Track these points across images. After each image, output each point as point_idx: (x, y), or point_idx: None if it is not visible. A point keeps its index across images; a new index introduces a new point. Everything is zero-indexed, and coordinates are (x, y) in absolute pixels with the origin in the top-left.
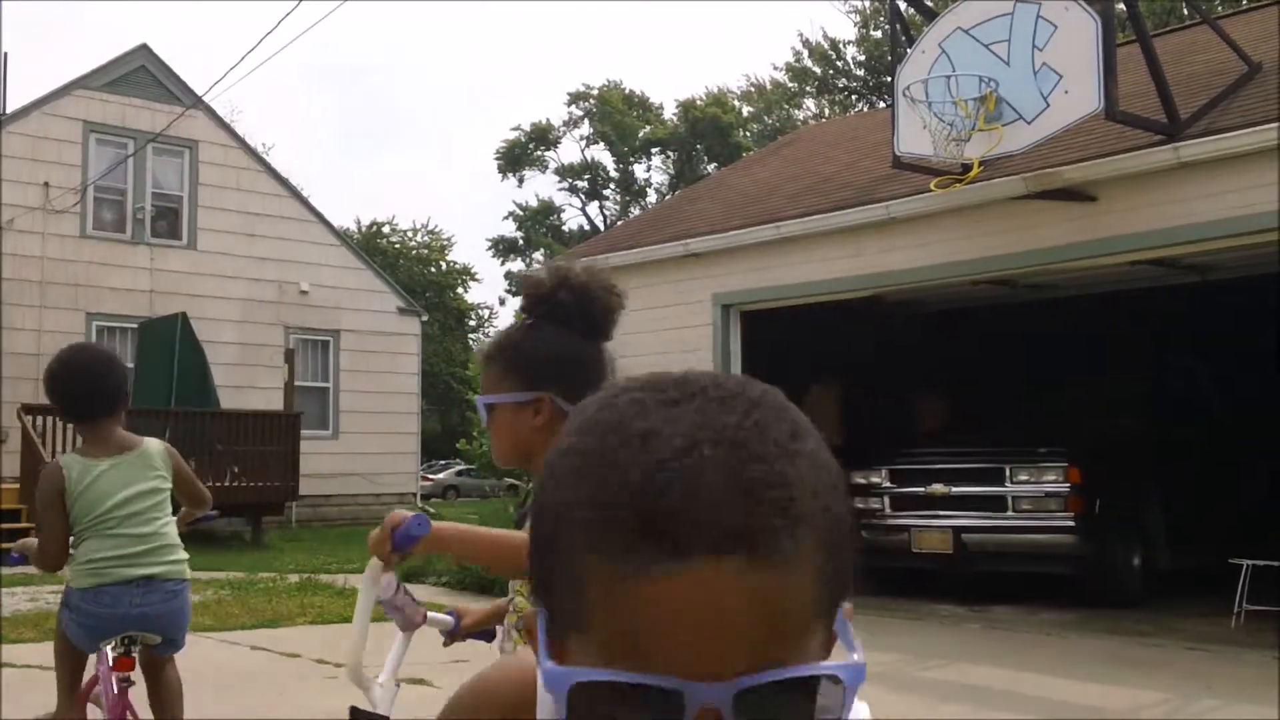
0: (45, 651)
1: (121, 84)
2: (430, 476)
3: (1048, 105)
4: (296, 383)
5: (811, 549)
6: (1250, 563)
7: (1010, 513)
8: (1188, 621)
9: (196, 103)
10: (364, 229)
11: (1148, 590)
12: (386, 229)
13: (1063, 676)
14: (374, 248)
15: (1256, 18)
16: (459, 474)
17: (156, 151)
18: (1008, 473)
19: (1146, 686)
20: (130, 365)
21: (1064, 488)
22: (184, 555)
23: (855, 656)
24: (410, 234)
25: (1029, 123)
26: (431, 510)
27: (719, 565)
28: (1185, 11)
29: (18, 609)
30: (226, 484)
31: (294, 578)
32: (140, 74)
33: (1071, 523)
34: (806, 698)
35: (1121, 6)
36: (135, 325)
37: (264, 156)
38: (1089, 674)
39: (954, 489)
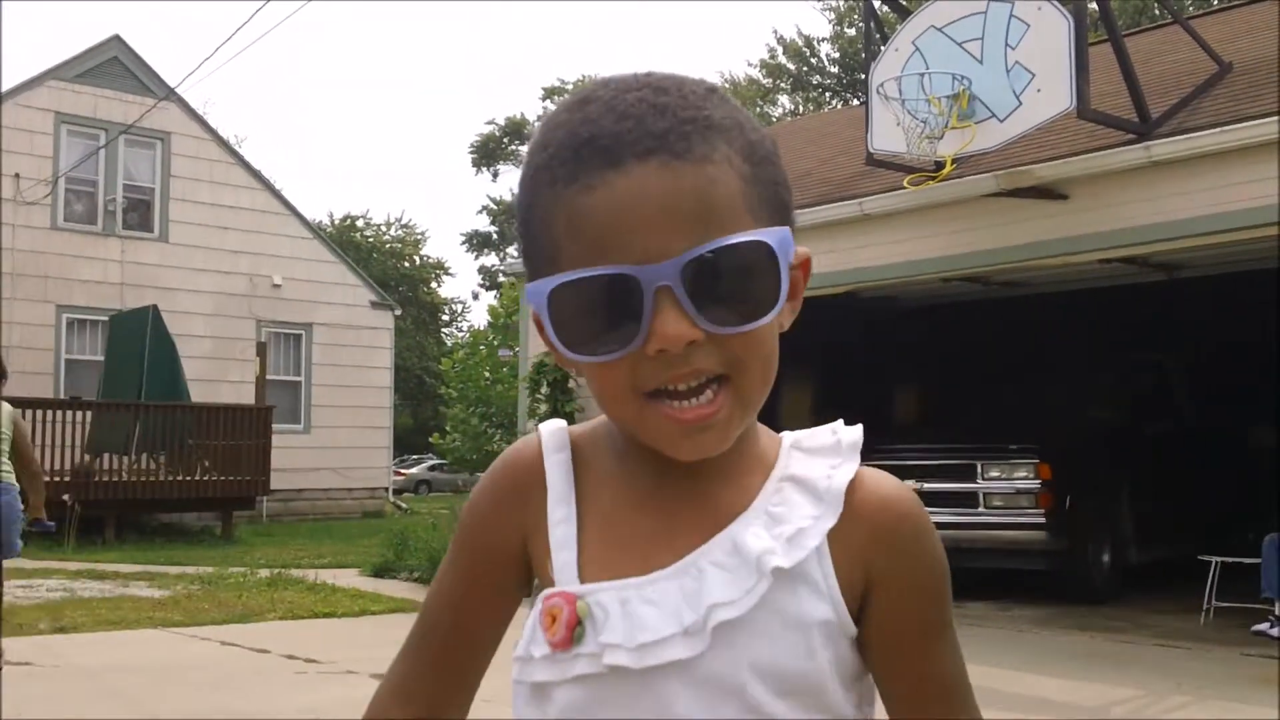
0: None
1: (94, 75)
2: (402, 471)
3: (1020, 103)
4: (268, 376)
5: (729, 152)
6: (1219, 559)
7: (982, 509)
8: (1158, 618)
9: (169, 94)
10: (337, 223)
11: (1118, 586)
12: (360, 223)
13: (1034, 672)
14: (347, 241)
15: (1228, 18)
16: (431, 469)
17: (128, 143)
18: (979, 469)
19: (1117, 682)
20: (100, 358)
21: (1035, 484)
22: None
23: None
24: (384, 228)
25: (1001, 121)
26: (404, 505)
27: (646, 165)
28: (1157, 11)
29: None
30: (197, 478)
31: (264, 572)
32: (113, 65)
33: (1042, 519)
34: (745, 266)
35: (1094, 6)
36: (106, 318)
37: (236, 149)
38: (1060, 670)
39: (925, 485)
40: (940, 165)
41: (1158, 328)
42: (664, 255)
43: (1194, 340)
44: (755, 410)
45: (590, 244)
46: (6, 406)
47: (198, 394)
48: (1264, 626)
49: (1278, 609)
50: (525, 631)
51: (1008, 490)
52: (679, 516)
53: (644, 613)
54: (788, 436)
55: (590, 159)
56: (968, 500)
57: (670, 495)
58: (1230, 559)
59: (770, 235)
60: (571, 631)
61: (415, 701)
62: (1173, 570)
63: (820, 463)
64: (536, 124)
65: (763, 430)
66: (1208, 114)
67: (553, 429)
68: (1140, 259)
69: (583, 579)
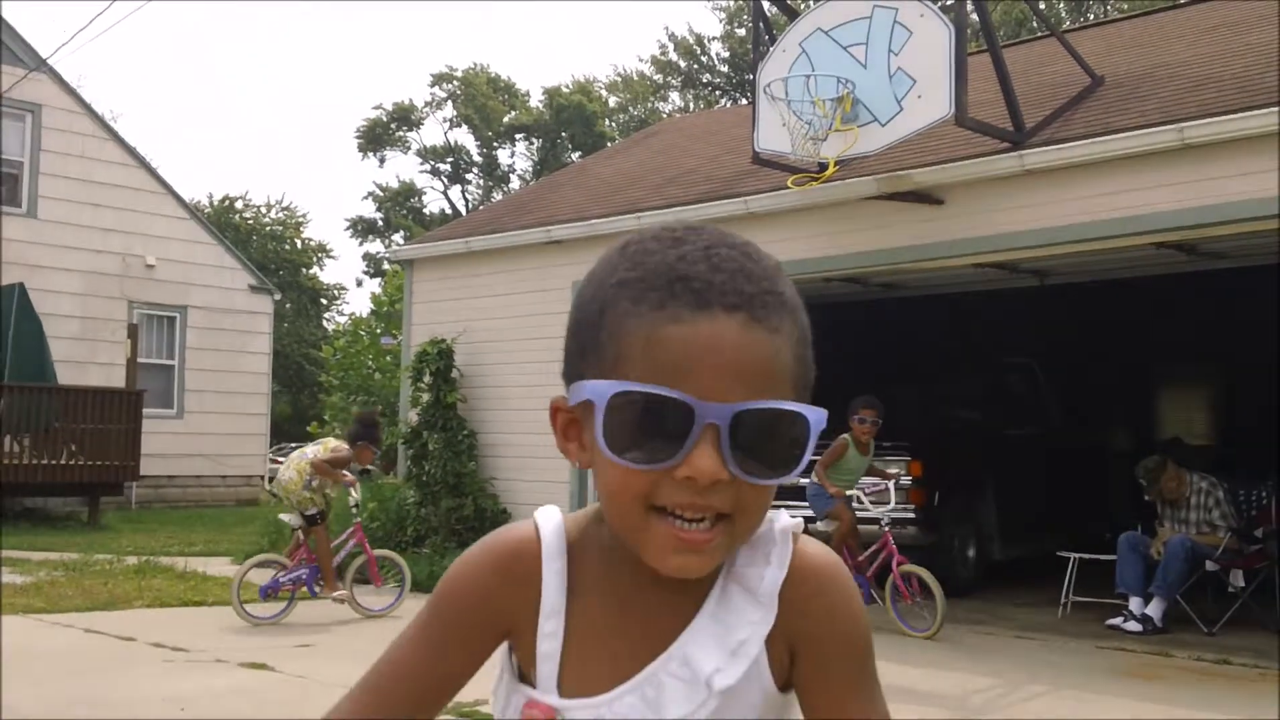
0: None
1: None
2: (279, 460)
3: (901, 109)
4: (140, 359)
5: (791, 333)
6: (1077, 555)
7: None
8: (1018, 611)
9: (41, 65)
10: (216, 203)
11: (981, 580)
12: (239, 204)
13: (897, 662)
14: (225, 223)
15: (1102, 33)
16: None
17: None
18: None
19: (977, 672)
20: None
21: (905, 480)
22: None
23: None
24: (264, 210)
25: (883, 125)
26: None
27: (730, 318)
28: (1035, 24)
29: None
30: (63, 462)
31: (132, 560)
32: None
33: (912, 514)
34: (783, 430)
35: (975, 17)
36: None
37: (111, 124)
38: (923, 660)
39: (802, 480)
40: (824, 166)
41: (1027, 332)
42: (722, 399)
43: (1059, 344)
44: (739, 547)
45: (662, 367)
46: None
47: (65, 376)
48: (1118, 620)
49: (1131, 604)
50: None
51: (880, 486)
52: (648, 620)
53: None
54: None
55: (682, 295)
56: None
57: (645, 598)
58: (1088, 556)
59: (812, 413)
60: None
61: None
62: (1034, 566)
63: (759, 557)
64: (625, 245)
65: None
66: (1079, 125)
67: (552, 528)
68: (1012, 264)
69: (561, 692)
